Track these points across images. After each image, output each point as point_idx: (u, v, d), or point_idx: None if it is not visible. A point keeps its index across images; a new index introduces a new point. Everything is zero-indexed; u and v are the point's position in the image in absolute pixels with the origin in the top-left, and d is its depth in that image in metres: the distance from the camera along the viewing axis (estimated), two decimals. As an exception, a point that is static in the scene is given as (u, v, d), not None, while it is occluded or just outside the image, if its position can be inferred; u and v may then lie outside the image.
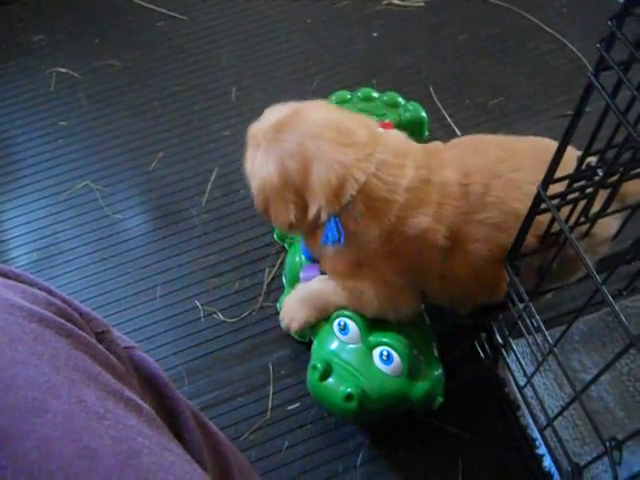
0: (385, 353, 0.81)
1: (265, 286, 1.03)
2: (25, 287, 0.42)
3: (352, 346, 0.83)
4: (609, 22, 0.45)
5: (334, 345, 0.84)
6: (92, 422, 0.34)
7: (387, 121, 1.04)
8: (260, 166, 0.78)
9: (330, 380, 0.82)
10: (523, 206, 0.72)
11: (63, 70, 1.30)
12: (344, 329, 0.83)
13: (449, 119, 1.20)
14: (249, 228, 1.09)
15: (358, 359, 0.82)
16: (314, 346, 0.88)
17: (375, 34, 1.34)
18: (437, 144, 0.84)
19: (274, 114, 0.79)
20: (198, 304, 1.01)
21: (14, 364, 0.35)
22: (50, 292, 0.43)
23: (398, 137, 0.81)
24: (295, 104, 0.80)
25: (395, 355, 0.81)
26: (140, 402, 0.40)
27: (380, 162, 0.74)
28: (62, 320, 0.41)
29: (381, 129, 0.81)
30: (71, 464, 0.32)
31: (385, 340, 0.82)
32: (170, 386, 0.49)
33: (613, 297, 0.94)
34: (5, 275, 0.42)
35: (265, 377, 0.95)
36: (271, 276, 1.04)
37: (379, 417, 0.86)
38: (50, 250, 1.08)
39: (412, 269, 0.79)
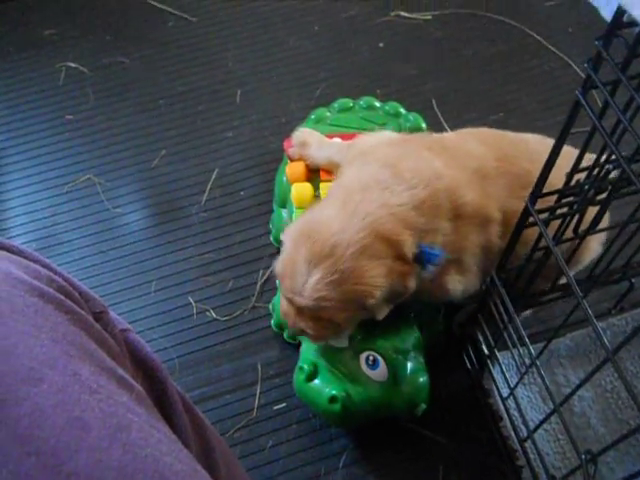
0: (371, 358, 0.82)
1: (258, 287, 1.04)
2: (28, 263, 0.43)
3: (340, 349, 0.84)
4: (596, 42, 0.47)
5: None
6: (85, 395, 0.36)
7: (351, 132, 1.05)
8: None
9: (316, 382, 0.83)
10: None
11: (73, 65, 1.32)
12: (332, 332, 0.84)
13: (449, 132, 1.21)
14: (246, 229, 1.10)
15: (345, 362, 0.83)
16: (302, 347, 0.89)
17: (381, 44, 1.35)
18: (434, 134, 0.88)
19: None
20: (192, 301, 1.03)
21: (14, 334, 0.36)
22: (52, 270, 0.45)
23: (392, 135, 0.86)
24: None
25: (381, 360, 0.82)
26: (131, 381, 0.42)
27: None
28: (62, 297, 0.42)
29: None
30: (62, 433, 0.33)
31: (372, 345, 0.83)
32: (162, 370, 0.50)
33: (601, 315, 0.96)
34: (8, 250, 0.44)
35: (253, 376, 0.96)
36: (265, 277, 1.05)
37: (363, 421, 0.86)
38: (49, 240, 1.10)
39: (483, 248, 0.81)
